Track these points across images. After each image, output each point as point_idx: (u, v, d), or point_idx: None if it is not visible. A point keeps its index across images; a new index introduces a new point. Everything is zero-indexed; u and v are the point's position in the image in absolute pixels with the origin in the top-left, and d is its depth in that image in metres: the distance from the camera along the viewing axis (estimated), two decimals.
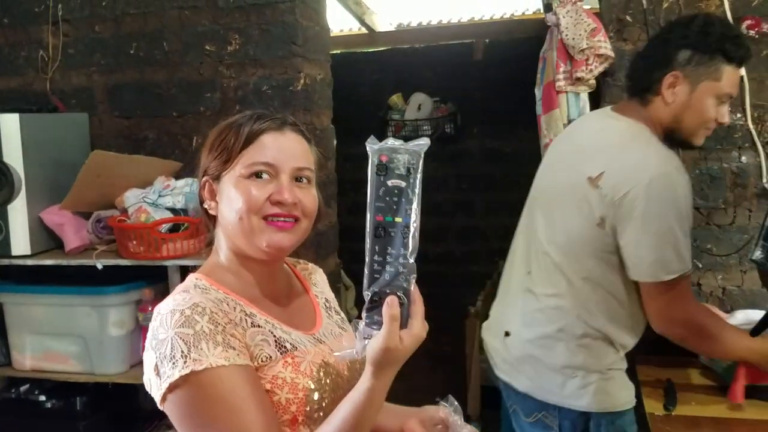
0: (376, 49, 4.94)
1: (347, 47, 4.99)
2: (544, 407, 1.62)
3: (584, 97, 2.01)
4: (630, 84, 1.66)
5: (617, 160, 1.53)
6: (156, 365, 0.97)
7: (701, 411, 1.67)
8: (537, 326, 1.65)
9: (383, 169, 0.87)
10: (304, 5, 2.28)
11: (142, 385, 1.04)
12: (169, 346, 0.95)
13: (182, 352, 0.94)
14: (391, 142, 0.90)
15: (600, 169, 1.53)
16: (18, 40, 2.54)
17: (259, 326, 1.04)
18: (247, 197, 1.05)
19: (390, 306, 0.87)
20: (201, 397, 0.95)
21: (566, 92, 1.98)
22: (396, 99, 4.74)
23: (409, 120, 4.61)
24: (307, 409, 1.01)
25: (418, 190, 0.87)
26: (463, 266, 4.47)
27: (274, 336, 1.04)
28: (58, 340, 2.17)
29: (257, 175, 1.06)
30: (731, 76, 1.53)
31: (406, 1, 4.66)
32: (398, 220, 0.87)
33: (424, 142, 0.90)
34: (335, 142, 2.65)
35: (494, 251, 3.61)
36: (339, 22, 4.70)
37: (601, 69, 1.96)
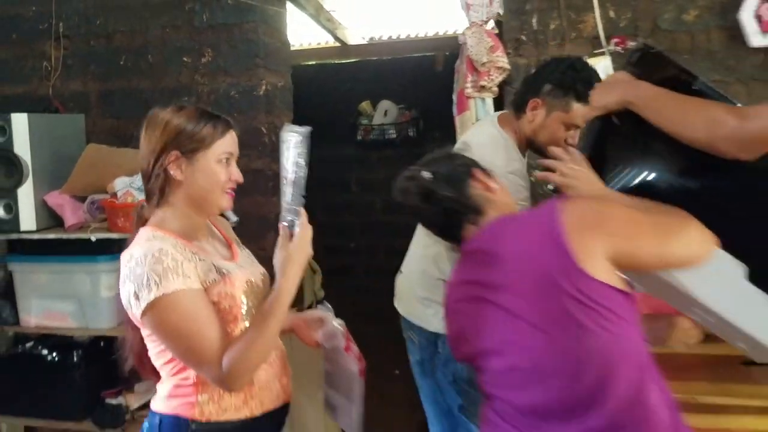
0: (348, 61, 5.40)
1: (322, 59, 5.44)
2: (410, 326, 2.06)
3: (489, 101, 2.45)
4: (512, 100, 2.05)
5: (475, 157, 1.93)
6: (135, 292, 1.35)
7: None
8: (412, 267, 2.09)
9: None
10: (266, 25, 2.75)
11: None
12: (145, 278, 1.34)
13: (155, 281, 1.33)
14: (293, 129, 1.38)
15: None
16: (25, 53, 2.99)
17: (203, 260, 1.44)
18: (222, 175, 1.46)
19: (282, 229, 1.33)
20: (168, 312, 1.34)
21: (474, 98, 2.43)
22: (365, 106, 5.19)
23: (377, 125, 5.05)
24: (243, 311, 1.44)
25: (293, 159, 1.36)
26: None
27: (215, 265, 1.45)
28: (59, 301, 2.58)
29: (226, 160, 1.48)
30: (580, 111, 1.81)
31: (375, 17, 5.11)
32: (289, 177, 1.34)
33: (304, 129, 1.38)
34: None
35: None
36: (314, 36, 5.15)
37: (500, 79, 2.40)
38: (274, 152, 2.77)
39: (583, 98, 1.80)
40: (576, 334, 1.16)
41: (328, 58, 5.41)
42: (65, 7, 2.90)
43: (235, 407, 1.42)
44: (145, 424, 1.46)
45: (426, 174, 1.40)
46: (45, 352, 2.68)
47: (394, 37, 5.19)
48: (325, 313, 1.58)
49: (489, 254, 1.28)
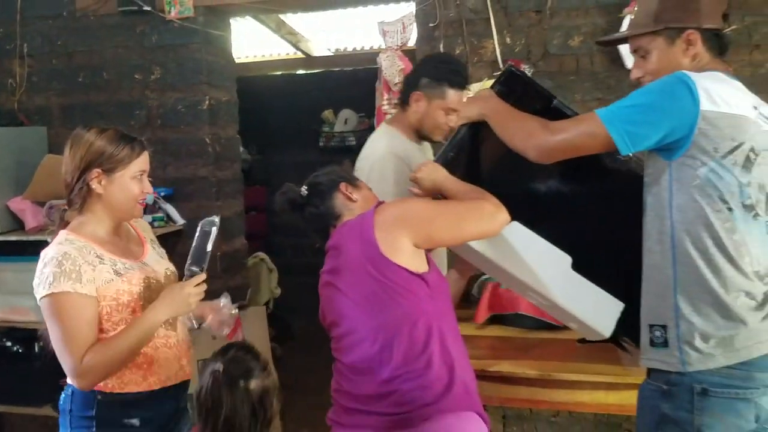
0: (313, 71, 5.70)
1: (288, 69, 5.74)
2: None
3: None
4: (399, 97, 2.28)
5: (362, 154, 2.17)
6: (36, 286, 1.61)
7: None
8: None
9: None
10: (210, 45, 3.04)
11: None
12: (44, 276, 1.59)
13: (50, 281, 1.58)
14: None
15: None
16: None
17: (104, 262, 1.66)
18: (137, 190, 1.72)
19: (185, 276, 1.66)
20: (54, 308, 1.59)
21: (390, 113, 2.71)
22: (327, 114, 5.49)
23: (337, 132, 5.36)
24: (142, 303, 1.69)
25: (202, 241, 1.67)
26: None
27: (114, 266, 1.68)
28: (22, 297, 2.82)
29: (140, 176, 1.73)
30: (455, 96, 2.05)
31: (338, 30, 5.38)
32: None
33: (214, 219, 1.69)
34: (241, 148, 3.39)
35: None
36: (280, 47, 5.43)
37: None
38: (218, 161, 3.07)
39: (455, 85, 2.06)
40: (379, 308, 1.49)
41: (294, 68, 5.71)
42: (29, 30, 3.18)
43: (135, 382, 1.68)
44: (62, 395, 1.72)
45: (303, 189, 1.71)
46: (9, 343, 2.95)
47: (358, 48, 5.48)
48: (222, 301, 1.85)
49: (336, 249, 1.61)
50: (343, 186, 1.69)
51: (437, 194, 1.70)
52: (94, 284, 1.61)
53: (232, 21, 3.29)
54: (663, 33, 1.49)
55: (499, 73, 2.45)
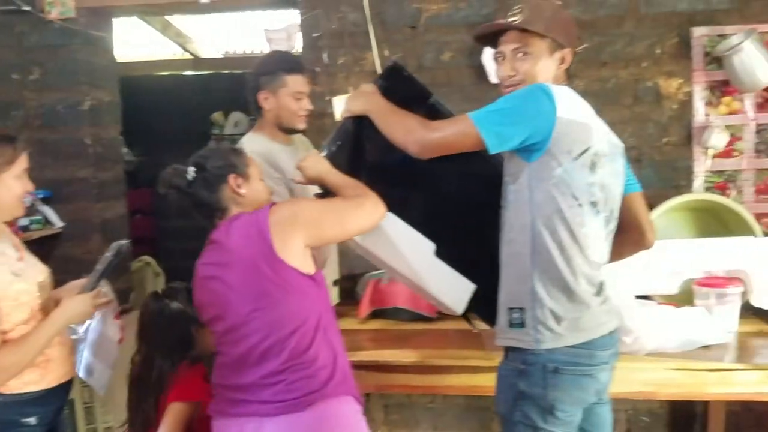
0: (201, 73, 5.66)
1: (176, 70, 5.68)
2: None
3: None
4: (251, 108, 2.28)
5: None
6: None
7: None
8: None
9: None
10: (92, 47, 3.02)
11: None
12: None
13: None
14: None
15: None
16: None
17: (1, 263, 1.70)
18: (21, 189, 1.75)
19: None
20: None
21: None
22: (217, 116, 5.47)
23: (228, 135, 5.35)
24: (39, 301, 1.74)
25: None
26: None
27: (11, 267, 1.72)
28: None
29: (22, 175, 1.75)
30: (294, 81, 2.15)
31: (227, 33, 5.40)
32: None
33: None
34: (123, 149, 3.37)
35: None
36: (167, 48, 5.37)
37: None
38: (98, 162, 3.05)
39: (290, 70, 2.15)
40: (272, 306, 1.57)
41: (182, 69, 5.66)
42: None
43: (34, 381, 1.73)
44: None
45: (190, 171, 1.68)
46: None
47: (248, 51, 5.51)
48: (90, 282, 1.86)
49: (222, 243, 1.64)
50: (232, 178, 1.69)
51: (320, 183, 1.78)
52: None
53: (117, 21, 3.27)
54: (548, 41, 1.67)
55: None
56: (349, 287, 2.75)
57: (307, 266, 1.62)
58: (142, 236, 4.62)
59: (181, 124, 5.44)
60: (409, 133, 1.67)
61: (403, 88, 1.87)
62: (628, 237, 1.80)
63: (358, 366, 2.08)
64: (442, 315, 2.51)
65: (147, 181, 5.52)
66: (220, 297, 1.63)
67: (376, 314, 2.59)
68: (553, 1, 1.90)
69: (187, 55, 5.42)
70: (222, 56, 5.63)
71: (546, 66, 1.67)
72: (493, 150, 1.59)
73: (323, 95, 2.84)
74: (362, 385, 2.08)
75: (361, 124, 1.82)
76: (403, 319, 2.55)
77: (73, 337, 1.94)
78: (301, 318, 1.59)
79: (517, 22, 1.66)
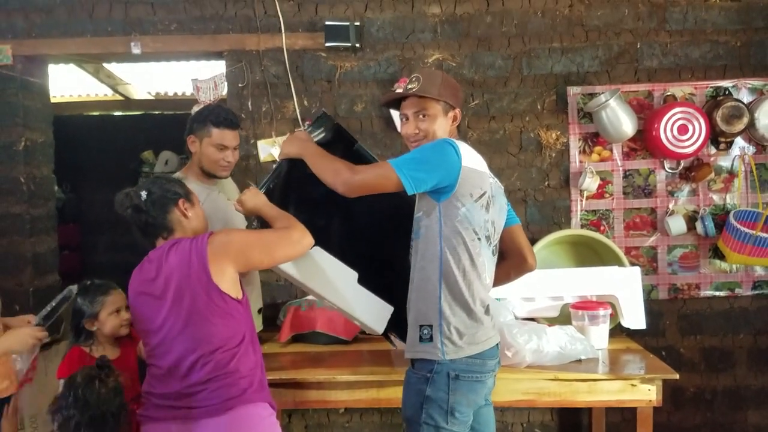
0: (131, 113, 5.81)
1: (107, 110, 5.81)
2: None
3: None
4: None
5: None
6: None
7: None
8: None
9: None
10: (26, 90, 3.19)
11: None
12: None
13: None
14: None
15: None
16: None
17: None
18: None
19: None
20: None
21: None
22: (147, 155, 5.62)
23: (158, 173, 5.48)
24: None
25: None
26: None
27: None
28: None
29: None
30: (219, 134, 2.36)
31: (156, 76, 5.56)
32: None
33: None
34: (55, 187, 3.51)
35: None
36: (98, 89, 5.49)
37: None
38: (32, 199, 3.20)
39: (217, 124, 2.37)
40: (202, 324, 1.80)
41: (113, 110, 5.79)
42: None
43: None
44: None
45: (142, 194, 1.87)
46: None
47: (179, 93, 5.69)
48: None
49: (160, 262, 1.84)
50: (181, 202, 1.89)
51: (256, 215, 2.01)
52: None
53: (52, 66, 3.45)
54: (442, 104, 1.98)
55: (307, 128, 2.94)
56: (272, 315, 2.99)
57: (236, 291, 1.85)
58: (69, 271, 4.68)
59: (111, 162, 5.56)
60: (337, 175, 1.92)
61: (330, 135, 2.15)
62: (514, 262, 2.14)
63: (279, 384, 2.34)
64: (357, 338, 2.82)
65: (74, 217, 5.60)
66: (152, 312, 1.83)
67: (296, 338, 2.83)
68: (442, 71, 2.28)
69: (118, 96, 5.56)
70: (152, 98, 5.78)
71: (442, 124, 1.99)
72: (410, 191, 1.87)
73: (248, 139, 3.12)
74: (282, 401, 2.31)
75: (294, 165, 2.07)
76: (322, 343, 2.79)
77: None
78: (228, 336, 1.82)
79: (415, 90, 1.98)
